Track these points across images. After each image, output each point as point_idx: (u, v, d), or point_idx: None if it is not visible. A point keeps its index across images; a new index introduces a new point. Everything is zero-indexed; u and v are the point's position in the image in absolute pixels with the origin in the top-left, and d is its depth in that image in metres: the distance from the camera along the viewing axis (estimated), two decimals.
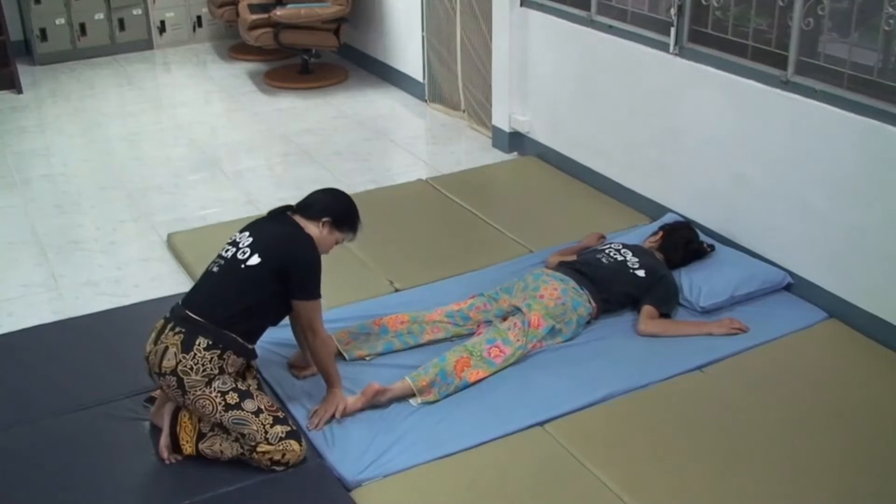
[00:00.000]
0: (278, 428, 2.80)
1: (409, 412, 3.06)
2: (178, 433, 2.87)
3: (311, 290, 2.92)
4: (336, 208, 3.06)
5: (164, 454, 2.87)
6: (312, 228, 2.99)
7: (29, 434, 3.02)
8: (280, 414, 2.85)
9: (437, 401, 3.10)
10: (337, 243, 3.10)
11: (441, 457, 2.87)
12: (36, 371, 3.37)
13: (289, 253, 2.89)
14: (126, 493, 2.80)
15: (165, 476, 2.84)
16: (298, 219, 3.01)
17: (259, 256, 2.86)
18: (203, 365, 2.76)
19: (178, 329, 2.80)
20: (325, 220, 3.01)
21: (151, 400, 3.05)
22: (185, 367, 2.76)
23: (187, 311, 2.83)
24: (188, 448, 2.86)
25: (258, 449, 2.78)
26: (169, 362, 2.77)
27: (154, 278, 4.12)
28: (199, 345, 2.77)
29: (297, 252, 2.91)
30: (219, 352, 2.78)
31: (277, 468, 2.80)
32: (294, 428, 2.85)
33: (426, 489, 2.76)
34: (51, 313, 3.85)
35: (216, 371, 2.78)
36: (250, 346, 2.90)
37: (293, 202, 3.11)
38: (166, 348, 2.78)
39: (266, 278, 2.86)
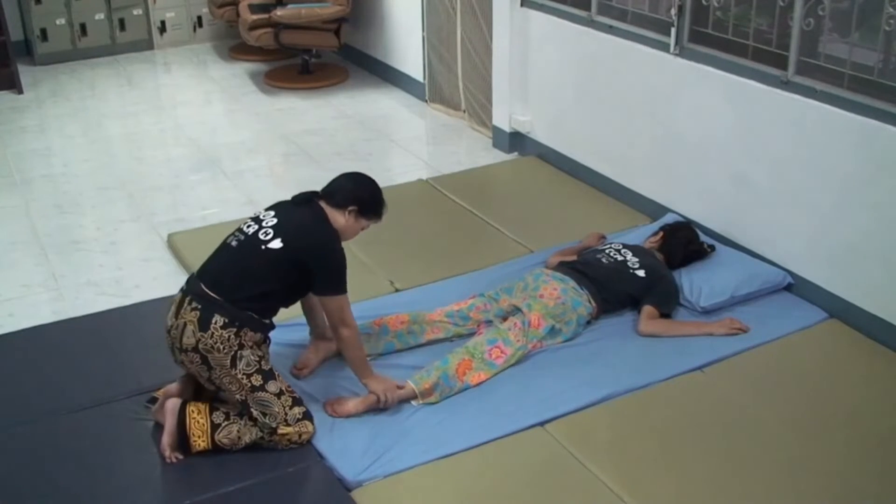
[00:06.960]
0: (297, 409, 2.88)
1: (410, 412, 3.06)
2: (189, 429, 2.85)
3: (339, 285, 2.92)
4: (362, 196, 3.03)
5: (166, 453, 2.86)
6: (339, 217, 2.98)
7: (29, 434, 3.02)
8: (296, 395, 2.94)
9: (438, 402, 3.10)
10: (363, 229, 3.09)
11: (441, 457, 2.87)
12: (36, 371, 3.37)
13: (313, 247, 2.88)
14: (127, 493, 2.80)
15: (166, 476, 2.84)
16: (325, 206, 2.98)
17: (281, 241, 2.85)
18: (222, 343, 2.78)
19: (194, 304, 2.81)
20: (351, 208, 2.99)
21: (153, 401, 3.05)
22: (206, 345, 2.78)
23: (202, 286, 2.84)
24: (202, 443, 2.85)
25: (279, 431, 2.84)
26: (189, 339, 2.79)
27: (155, 278, 4.12)
28: (215, 323, 2.78)
29: (322, 248, 2.89)
30: (235, 329, 2.79)
31: (293, 447, 2.88)
32: (307, 408, 2.94)
33: (427, 489, 2.76)
34: (51, 313, 3.85)
35: (236, 347, 2.79)
36: (266, 321, 2.91)
37: None
38: (185, 324, 2.80)
39: (285, 265, 2.85)
